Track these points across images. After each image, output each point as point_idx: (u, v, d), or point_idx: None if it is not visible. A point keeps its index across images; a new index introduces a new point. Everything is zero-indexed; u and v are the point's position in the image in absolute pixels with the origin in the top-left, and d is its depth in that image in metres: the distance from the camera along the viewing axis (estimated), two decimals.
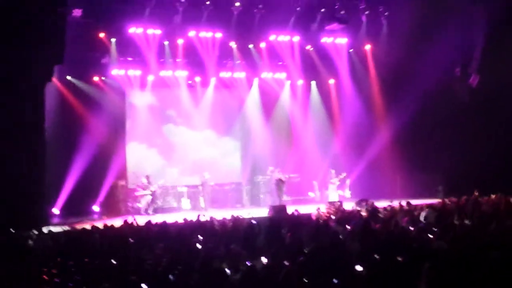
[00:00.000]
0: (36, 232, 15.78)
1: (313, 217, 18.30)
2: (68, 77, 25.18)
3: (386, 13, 27.05)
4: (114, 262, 11.69)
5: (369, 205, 19.60)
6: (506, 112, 24.95)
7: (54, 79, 23.29)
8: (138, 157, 27.11)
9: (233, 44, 27.10)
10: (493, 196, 19.27)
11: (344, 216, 17.66)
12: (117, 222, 17.83)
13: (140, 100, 27.35)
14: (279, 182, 25.15)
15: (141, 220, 18.15)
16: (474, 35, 25.39)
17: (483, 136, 25.24)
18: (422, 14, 25.05)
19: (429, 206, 17.67)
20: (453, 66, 26.22)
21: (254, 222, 16.95)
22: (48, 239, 15.13)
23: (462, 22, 24.90)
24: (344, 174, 26.81)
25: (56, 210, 24.05)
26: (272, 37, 27.22)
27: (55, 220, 22.99)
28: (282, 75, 29.42)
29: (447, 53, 25.10)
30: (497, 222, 13.61)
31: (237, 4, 24.92)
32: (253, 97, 29.45)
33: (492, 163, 24.41)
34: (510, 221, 13.71)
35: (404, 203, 18.91)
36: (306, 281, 9.23)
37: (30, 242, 15.02)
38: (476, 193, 19.82)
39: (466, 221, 15.02)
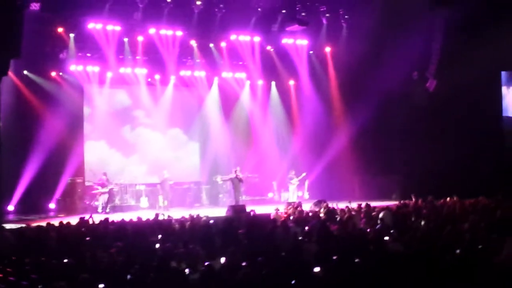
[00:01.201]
0: None
1: (272, 218, 18.34)
2: (25, 72, 24.73)
3: (346, 16, 27.31)
4: (71, 261, 11.56)
5: (325, 206, 19.74)
6: (462, 116, 25.38)
7: (10, 73, 22.79)
8: (96, 155, 26.83)
9: (193, 43, 26.98)
10: (448, 199, 19.57)
11: (302, 217, 17.75)
12: (74, 220, 17.62)
13: (98, 97, 27.00)
14: (235, 181, 24.89)
15: (98, 218, 17.97)
16: (432, 40, 25.77)
17: (440, 139, 25.62)
18: (381, 18, 25.32)
19: (386, 208, 17.86)
20: (411, 70, 26.53)
21: (211, 221, 16.94)
22: (10, 237, 14.84)
23: (420, 27, 25.17)
24: (304, 174, 26.91)
25: (11, 207, 23.69)
26: (233, 37, 27.20)
27: (10, 217, 22.61)
28: (242, 75, 29.45)
29: (405, 57, 25.35)
30: (452, 225, 13.83)
31: (198, 2, 24.82)
32: (213, 96, 29.38)
33: (448, 166, 24.78)
34: (465, 224, 13.95)
35: (362, 204, 19.07)
36: (264, 281, 9.23)
37: None
38: (430, 198, 20.06)
39: (422, 223, 15.22)
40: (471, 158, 24.75)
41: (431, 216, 16.62)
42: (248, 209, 21.01)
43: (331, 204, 20.23)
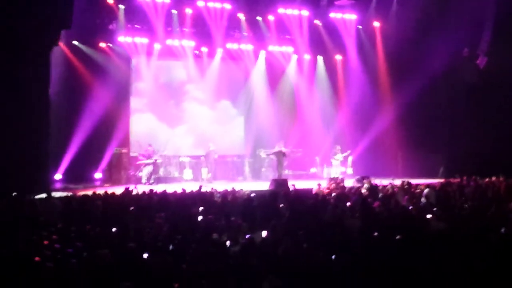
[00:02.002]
0: (43, 197, 15.83)
1: (314, 193, 18.35)
2: (75, 42, 25.04)
3: None
4: (115, 230, 11.77)
5: (368, 182, 19.65)
6: None
7: (61, 44, 23.24)
8: (142, 126, 27.09)
9: (241, 16, 26.97)
10: (494, 178, 19.30)
11: (344, 193, 17.71)
12: (119, 190, 17.90)
13: (146, 69, 27.22)
14: (279, 155, 24.89)
15: (142, 189, 18.22)
16: (483, 16, 25.26)
17: (488, 118, 25.20)
18: None
19: (430, 186, 17.71)
20: (461, 46, 26.07)
21: (253, 195, 17.03)
22: (58, 204, 15.13)
23: (472, 2, 24.71)
24: (348, 152, 26.73)
25: (58, 176, 24.18)
26: (280, 10, 27.12)
27: (57, 185, 23.09)
28: (289, 49, 29.23)
29: (455, 33, 24.98)
30: (497, 205, 13.65)
31: None
32: (259, 70, 29.29)
33: (495, 145, 24.40)
34: (510, 204, 13.75)
35: (405, 181, 18.94)
36: (305, 256, 9.27)
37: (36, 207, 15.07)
38: (474, 177, 19.81)
39: (467, 202, 15.06)
40: None
41: (475, 195, 16.45)
42: (290, 183, 21.07)
43: (374, 181, 20.13)
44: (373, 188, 18.29)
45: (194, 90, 28.25)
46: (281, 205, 14.92)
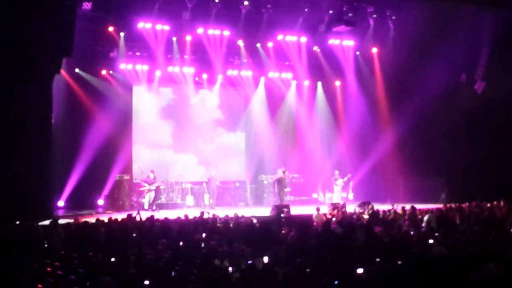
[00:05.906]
0: (48, 223, 15.82)
1: (313, 218, 18.36)
2: (76, 70, 25.23)
3: (393, 17, 26.97)
4: (117, 257, 11.79)
5: (370, 208, 19.69)
6: (511, 118, 25.03)
7: (63, 71, 23.42)
8: (144, 152, 27.17)
9: (240, 43, 27.16)
10: (495, 203, 19.33)
11: (346, 218, 17.75)
12: (121, 217, 17.91)
13: (147, 95, 27.44)
14: (282, 181, 24.82)
15: (145, 216, 18.24)
16: (480, 42, 25.47)
17: (488, 142, 25.31)
18: (429, 19, 25.08)
19: (431, 211, 17.73)
20: (458, 72, 26.26)
21: (255, 221, 17.06)
22: (61, 232, 15.10)
23: (468, 28, 24.92)
24: (349, 176, 26.71)
25: (61, 203, 24.19)
26: (279, 37, 27.29)
27: (60, 212, 23.09)
28: (288, 75, 29.49)
29: (453, 58, 25.16)
30: (498, 229, 13.68)
31: (246, 3, 24.89)
32: (259, 96, 29.48)
33: (495, 169, 24.47)
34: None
35: (407, 207, 18.94)
36: (306, 281, 9.30)
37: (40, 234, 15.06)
38: (478, 201, 19.87)
39: (468, 228, 15.08)
40: None
41: (476, 220, 16.48)
42: (292, 209, 21.14)
43: (376, 206, 20.15)
44: (375, 213, 18.33)
45: (195, 116, 28.36)
46: (282, 231, 14.97)
